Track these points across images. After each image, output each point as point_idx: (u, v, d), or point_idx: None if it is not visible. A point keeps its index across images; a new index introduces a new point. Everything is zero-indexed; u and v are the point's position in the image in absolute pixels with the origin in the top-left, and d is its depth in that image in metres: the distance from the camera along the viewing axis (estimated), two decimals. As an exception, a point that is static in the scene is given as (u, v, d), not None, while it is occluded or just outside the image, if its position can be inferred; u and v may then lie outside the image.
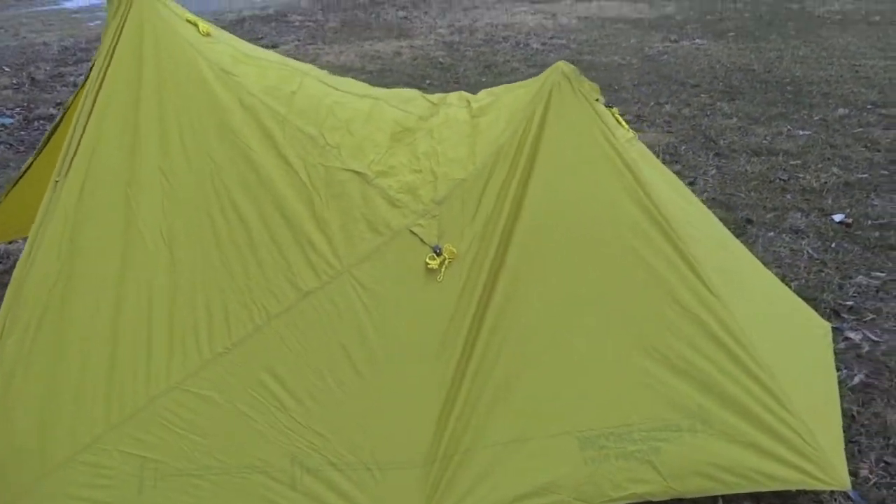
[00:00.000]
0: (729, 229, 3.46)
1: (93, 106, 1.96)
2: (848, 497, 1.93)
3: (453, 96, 2.43)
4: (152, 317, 1.89)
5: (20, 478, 1.78)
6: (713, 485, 1.81)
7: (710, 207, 3.69)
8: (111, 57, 2.00)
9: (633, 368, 1.88)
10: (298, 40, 8.34)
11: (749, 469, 1.82)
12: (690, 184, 4.12)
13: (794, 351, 2.25)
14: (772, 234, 3.53)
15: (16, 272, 1.91)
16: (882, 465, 2.09)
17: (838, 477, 1.84)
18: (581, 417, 1.84)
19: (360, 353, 1.87)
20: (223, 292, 1.92)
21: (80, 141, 1.95)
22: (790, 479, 1.83)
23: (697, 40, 8.06)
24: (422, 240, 1.99)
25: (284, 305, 1.91)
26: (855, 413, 2.29)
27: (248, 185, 2.00)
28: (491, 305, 1.90)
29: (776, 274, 3.08)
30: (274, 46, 8.17)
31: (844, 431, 2.19)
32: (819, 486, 1.83)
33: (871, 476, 2.05)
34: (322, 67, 7.45)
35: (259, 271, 1.94)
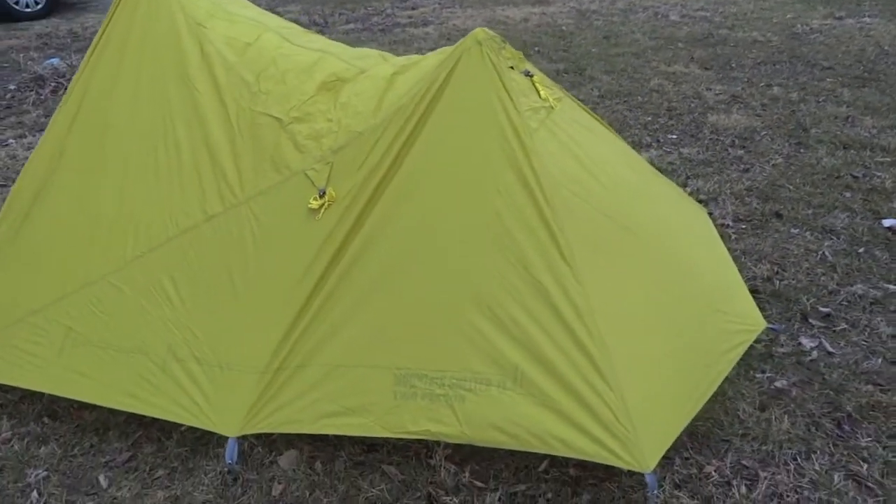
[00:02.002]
0: (750, 221, 3.30)
1: (90, 56, 2.45)
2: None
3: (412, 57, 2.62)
4: (100, 221, 2.34)
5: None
6: (506, 439, 1.88)
7: (743, 197, 3.51)
8: (111, 18, 2.46)
9: (460, 320, 1.98)
10: (438, 3, 8.65)
11: (547, 432, 1.86)
12: (745, 171, 3.87)
13: (687, 340, 2.17)
14: (796, 230, 3.25)
15: (18, 179, 2.47)
16: (735, 467, 2.00)
17: (641, 459, 1.82)
18: (401, 356, 1.99)
19: (239, 274, 2.18)
20: (152, 207, 2.32)
21: (77, 81, 2.44)
22: (587, 451, 1.84)
23: (867, 18, 7.12)
24: (312, 182, 2.24)
25: (192, 224, 2.27)
26: (743, 413, 2.17)
27: (190, 122, 2.37)
28: (351, 246, 2.10)
29: (768, 272, 2.90)
30: (414, 8, 8.58)
31: (722, 429, 2.12)
32: (617, 464, 1.82)
33: (713, 474, 1.97)
34: (447, 30, 7.94)
35: (180, 194, 2.31)
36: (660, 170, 3.90)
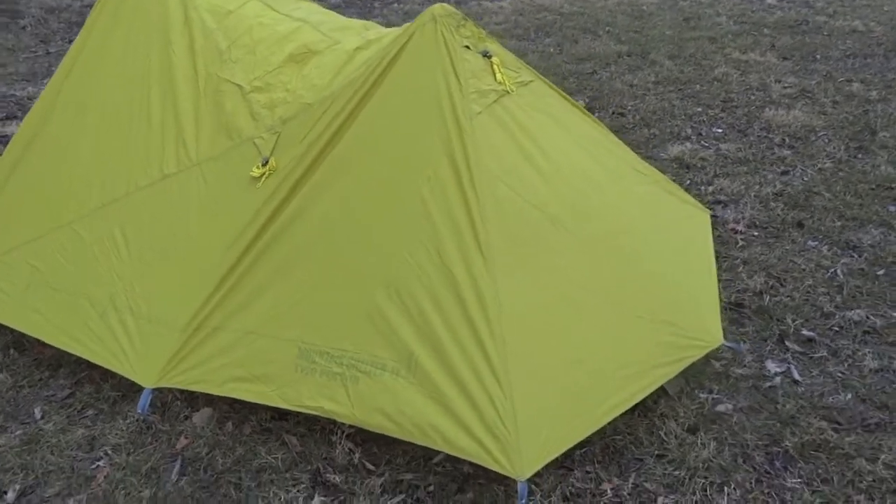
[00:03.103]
0: (766, 228, 3.04)
1: (91, 16, 2.59)
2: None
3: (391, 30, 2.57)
4: (75, 171, 2.48)
5: None
6: (391, 426, 1.85)
7: (769, 202, 3.24)
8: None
9: (367, 302, 1.96)
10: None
11: (430, 425, 1.81)
12: (783, 173, 3.55)
13: (609, 347, 2.03)
14: (814, 243, 2.95)
15: (18, 129, 2.66)
16: (636, 489, 1.87)
17: (518, 465, 1.74)
18: (307, 331, 2.00)
19: (181, 234, 2.25)
20: (119, 162, 2.43)
21: (78, 39, 2.59)
22: (466, 449, 1.78)
23: None
24: (259, 150, 2.27)
25: (149, 181, 2.36)
26: (668, 433, 2.02)
27: (163, 84, 2.46)
28: (280, 217, 2.12)
29: (762, 285, 2.67)
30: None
31: (638, 447, 2.00)
32: (492, 466, 1.75)
33: (608, 492, 1.86)
34: (522, 5, 7.85)
35: (145, 152, 2.40)
36: (686, 165, 3.67)
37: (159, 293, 2.22)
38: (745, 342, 2.40)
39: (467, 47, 2.22)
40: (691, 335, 2.16)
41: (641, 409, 2.12)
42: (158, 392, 2.13)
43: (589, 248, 2.15)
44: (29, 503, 1.89)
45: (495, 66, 2.27)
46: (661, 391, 2.18)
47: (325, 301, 2.03)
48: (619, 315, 2.09)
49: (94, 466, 1.99)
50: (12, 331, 2.47)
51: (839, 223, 3.09)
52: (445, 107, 2.10)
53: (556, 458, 1.94)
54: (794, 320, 2.49)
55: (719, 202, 3.33)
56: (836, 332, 2.44)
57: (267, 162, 2.24)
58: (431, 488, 1.89)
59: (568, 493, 1.87)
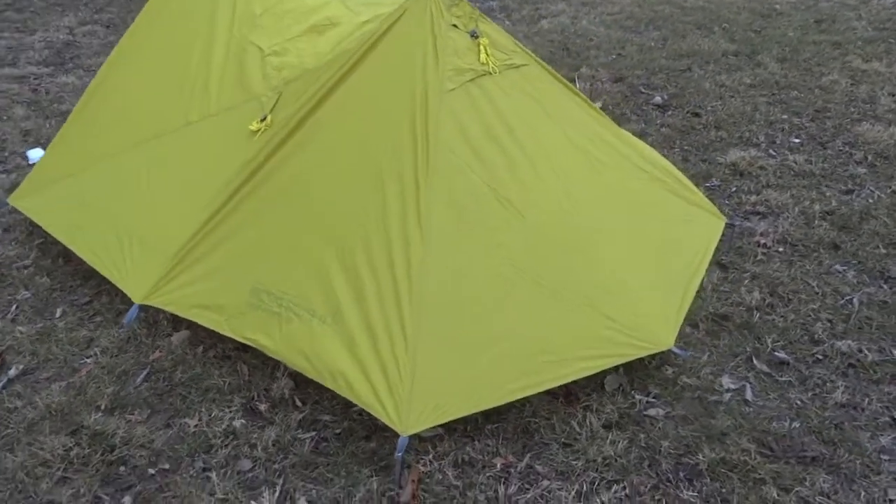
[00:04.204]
0: (795, 246, 2.85)
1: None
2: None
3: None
4: (126, 111, 2.85)
5: (47, 175, 2.99)
6: (307, 366, 2.01)
7: (813, 219, 3.03)
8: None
9: (316, 256, 2.12)
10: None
11: (339, 371, 1.95)
12: (846, 192, 3.26)
13: (531, 330, 2.05)
14: (841, 267, 2.72)
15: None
16: (525, 470, 1.89)
17: (405, 421, 1.84)
18: (261, 272, 2.20)
19: (189, 175, 2.54)
20: (158, 106, 2.76)
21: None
22: (363, 398, 1.90)
23: None
24: (262, 107, 2.49)
25: (176, 126, 2.67)
26: (582, 424, 2.01)
27: (204, 44, 2.76)
28: (263, 169, 2.33)
29: (758, 302, 2.54)
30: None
31: (549, 432, 2.01)
32: (381, 417, 1.86)
33: (497, 466, 1.89)
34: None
35: (178, 100, 2.71)
36: (739, 172, 3.49)
37: (161, 225, 2.51)
38: (710, 354, 2.30)
39: (455, 26, 2.30)
40: (632, 334, 2.12)
41: (570, 398, 2.13)
42: (151, 310, 2.43)
43: (537, 232, 2.17)
44: (26, 381, 2.27)
45: (482, 47, 2.33)
46: (599, 385, 2.17)
47: (281, 248, 2.22)
48: (555, 302, 2.10)
49: (82, 362, 2.34)
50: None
51: (882, 251, 2.81)
52: (418, 81, 2.21)
53: (463, 427, 2.03)
54: (774, 341, 2.34)
55: (757, 213, 3.13)
56: (817, 360, 2.27)
57: (265, 118, 2.46)
58: (340, 431, 2.04)
59: (460, 460, 1.94)
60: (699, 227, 2.66)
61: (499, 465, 1.92)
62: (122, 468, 1.95)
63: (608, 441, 1.97)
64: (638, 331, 2.14)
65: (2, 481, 1.89)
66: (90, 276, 2.74)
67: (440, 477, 1.89)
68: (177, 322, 2.47)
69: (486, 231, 2.11)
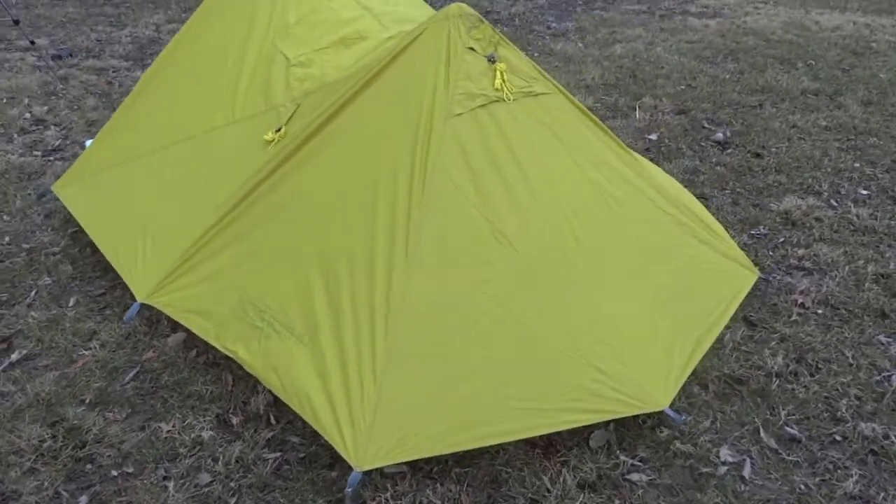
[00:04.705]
0: (837, 310, 2.61)
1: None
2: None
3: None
4: (167, 109, 2.92)
5: (89, 166, 3.10)
6: (278, 387, 1.97)
7: (865, 282, 2.80)
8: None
9: (301, 272, 2.09)
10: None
11: (306, 396, 1.90)
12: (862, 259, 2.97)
13: (508, 373, 1.93)
14: (886, 339, 2.46)
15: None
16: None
17: (361, 455, 1.77)
18: (250, 284, 2.18)
19: (204, 180, 2.56)
20: (191, 109, 2.82)
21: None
22: (326, 428, 1.84)
23: None
24: (279, 118, 2.49)
25: (201, 130, 2.71)
26: (554, 482, 1.87)
27: (238, 50, 2.79)
28: (268, 181, 2.32)
29: (780, 367, 2.33)
30: (719, -4, 7.79)
31: (518, 485, 1.90)
32: (339, 448, 1.80)
33: (430, 496, 1.79)
34: (731, 26, 7.79)
35: (207, 105, 2.76)
36: (791, 222, 3.25)
37: (173, 227, 2.55)
38: (713, 420, 2.12)
39: (472, 49, 2.22)
40: (621, 390, 1.97)
41: (549, 450, 2.00)
42: (154, 309, 2.46)
43: (530, 269, 2.05)
44: (24, 367, 2.34)
45: (498, 72, 2.24)
46: (584, 439, 2.03)
47: (270, 261, 2.20)
48: (538, 346, 1.99)
49: (80, 354, 2.39)
50: (94, 234, 3.01)
51: (939, 323, 2.53)
52: (425, 104, 2.15)
53: (429, 468, 1.94)
54: (789, 414, 2.13)
55: (802, 268, 2.89)
56: (834, 441, 2.05)
57: (280, 129, 2.46)
58: (304, 455, 1.99)
59: (417, 503, 1.85)
60: (724, 278, 2.47)
61: (450, 511, 1.82)
62: (88, 466, 1.97)
63: (578, 502, 1.83)
64: (629, 386, 1.99)
65: (-25, 464, 1.95)
66: (110, 269, 2.80)
67: (389, 515, 1.81)
68: (176, 324, 2.49)
69: (474, 264, 2.02)
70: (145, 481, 1.92)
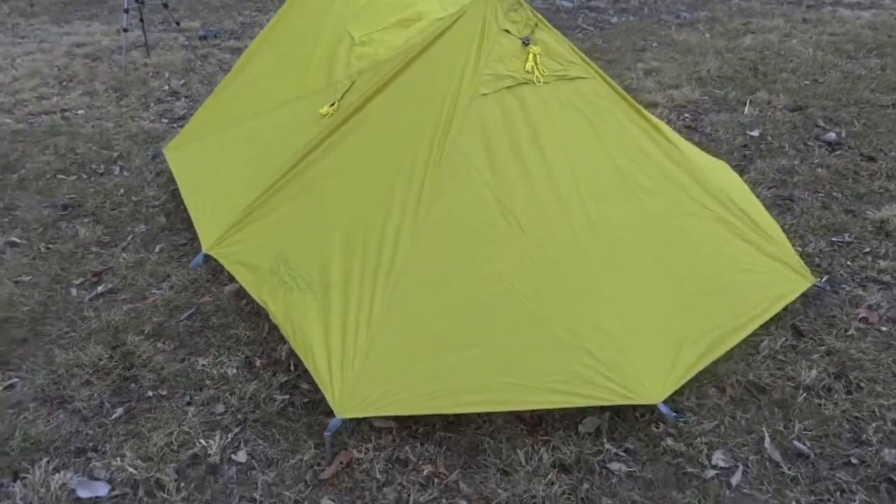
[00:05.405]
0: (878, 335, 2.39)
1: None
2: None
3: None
4: (257, 84, 3.22)
5: (193, 133, 3.47)
6: (291, 336, 2.15)
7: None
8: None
9: (328, 235, 2.25)
10: None
11: (309, 345, 2.06)
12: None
13: (496, 346, 1.98)
14: (954, 366, 2.18)
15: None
16: (445, 475, 1.83)
17: (342, 403, 1.90)
18: (287, 242, 2.39)
19: (269, 148, 2.81)
20: (272, 86, 3.09)
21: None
22: (320, 374, 2.00)
23: None
24: (336, 93, 2.66)
25: (277, 104, 2.97)
26: (525, 453, 1.88)
27: (314, 35, 3.02)
28: (317, 150, 2.50)
29: (818, 382, 2.18)
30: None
31: (494, 456, 1.94)
32: (326, 394, 1.95)
33: (408, 453, 1.86)
34: (886, 18, 7.10)
35: (286, 80, 3.01)
36: (884, 231, 3.00)
37: (240, 189, 2.81)
38: (719, 423, 2.02)
39: (507, 31, 2.25)
40: (613, 378, 1.95)
41: (535, 428, 2.02)
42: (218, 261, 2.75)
43: (537, 250, 2.07)
44: (107, 297, 2.71)
45: (531, 55, 2.25)
46: (575, 422, 2.03)
47: (306, 224, 2.39)
48: (534, 325, 2.01)
49: (152, 292, 2.73)
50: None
51: None
52: (453, 84, 2.22)
53: (415, 427, 2.03)
54: (805, 429, 1.98)
55: (880, 282, 2.62)
56: (847, 463, 1.88)
57: (334, 104, 2.64)
58: (308, 401, 2.15)
59: (394, 457, 1.95)
60: (766, 280, 2.32)
61: (426, 472, 1.90)
62: (132, 385, 2.27)
63: (546, 482, 1.85)
64: (622, 376, 1.96)
65: (47, 370, 2.31)
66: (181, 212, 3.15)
67: (367, 467, 1.93)
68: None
69: (480, 241, 2.07)
70: (172, 404, 2.18)
